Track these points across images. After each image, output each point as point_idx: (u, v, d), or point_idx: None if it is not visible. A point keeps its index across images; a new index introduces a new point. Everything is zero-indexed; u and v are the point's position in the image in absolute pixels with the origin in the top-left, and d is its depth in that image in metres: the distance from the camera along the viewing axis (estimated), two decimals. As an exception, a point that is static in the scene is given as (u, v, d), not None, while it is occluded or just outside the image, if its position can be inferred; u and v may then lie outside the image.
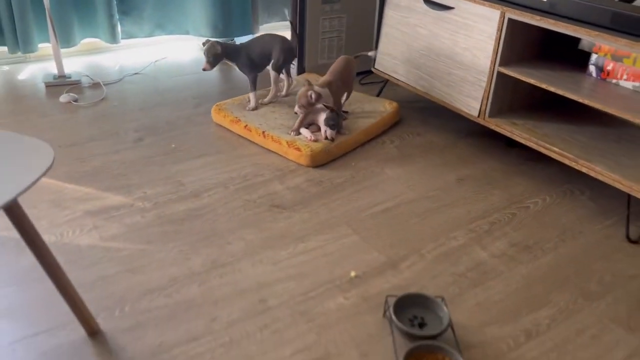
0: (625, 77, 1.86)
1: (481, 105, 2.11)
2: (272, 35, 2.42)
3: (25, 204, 1.80)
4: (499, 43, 1.98)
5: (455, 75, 2.19)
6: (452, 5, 2.14)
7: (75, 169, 2.02)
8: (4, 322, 1.36)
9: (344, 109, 2.37)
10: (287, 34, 2.74)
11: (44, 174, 1.02)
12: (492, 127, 2.10)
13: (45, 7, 2.55)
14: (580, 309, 1.48)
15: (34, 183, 0.99)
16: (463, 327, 1.41)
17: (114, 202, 1.84)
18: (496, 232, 1.78)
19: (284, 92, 2.54)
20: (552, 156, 1.89)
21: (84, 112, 2.47)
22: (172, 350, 1.31)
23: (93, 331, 1.34)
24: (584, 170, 1.80)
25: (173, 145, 2.22)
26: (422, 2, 2.26)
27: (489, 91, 2.07)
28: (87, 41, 3.07)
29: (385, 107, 2.48)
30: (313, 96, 2.10)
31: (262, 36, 2.42)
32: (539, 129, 2.02)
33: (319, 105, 2.15)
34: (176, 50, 3.28)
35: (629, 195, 1.78)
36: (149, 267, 1.57)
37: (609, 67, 1.89)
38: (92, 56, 3.12)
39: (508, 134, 2.04)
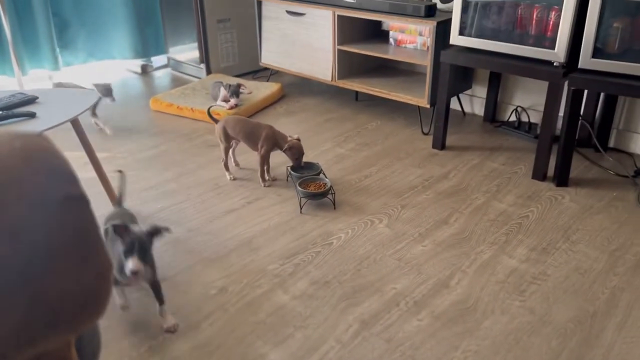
0: (408, 42, 3.13)
1: (332, 72, 3.29)
2: None
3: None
4: (335, 30, 3.18)
5: (313, 56, 3.36)
6: (303, 12, 3.33)
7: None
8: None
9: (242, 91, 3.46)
10: (195, 54, 3.80)
11: (90, 107, 2.00)
12: (341, 85, 3.29)
13: (9, 43, 3.40)
14: (394, 164, 2.66)
15: (85, 110, 1.97)
16: (331, 178, 2.53)
17: (100, 156, 2.77)
18: (349, 139, 2.94)
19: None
20: (376, 94, 3.11)
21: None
22: (170, 209, 2.29)
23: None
24: (394, 98, 3.03)
25: (108, 132, 3.17)
26: (285, 12, 3.43)
27: (335, 62, 3.26)
28: (34, 71, 3.90)
29: (273, 87, 3.60)
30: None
31: None
32: (368, 81, 3.23)
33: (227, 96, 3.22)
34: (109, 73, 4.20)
35: (419, 107, 3.02)
36: (138, 180, 2.53)
37: (400, 37, 3.15)
38: (36, 83, 3.96)
39: (351, 88, 3.24)
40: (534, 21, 2.31)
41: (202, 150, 2.84)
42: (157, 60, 4.34)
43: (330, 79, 3.32)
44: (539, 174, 2.48)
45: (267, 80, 3.82)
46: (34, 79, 3.93)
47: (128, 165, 2.69)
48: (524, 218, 2.19)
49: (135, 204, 2.32)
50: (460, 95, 3.29)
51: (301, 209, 2.26)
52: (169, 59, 4.27)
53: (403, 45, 3.17)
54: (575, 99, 2.27)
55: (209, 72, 3.91)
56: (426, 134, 3.00)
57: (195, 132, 3.07)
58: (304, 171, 2.47)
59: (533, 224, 2.15)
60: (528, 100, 3.06)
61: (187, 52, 4.24)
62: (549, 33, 2.29)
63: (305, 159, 2.68)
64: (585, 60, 2.18)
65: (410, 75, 3.35)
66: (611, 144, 2.80)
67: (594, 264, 1.91)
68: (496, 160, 2.69)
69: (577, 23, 2.21)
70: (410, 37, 3.12)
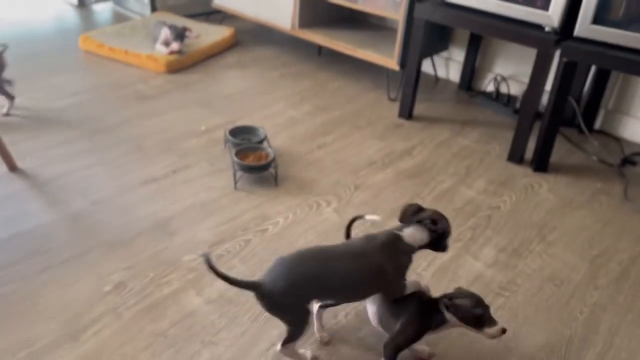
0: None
1: (292, 20, 2.86)
2: None
3: None
4: (298, -29, 2.73)
5: (272, 0, 2.91)
6: (264, -54, 2.85)
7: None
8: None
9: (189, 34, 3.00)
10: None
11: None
12: (301, 36, 2.86)
13: None
14: (353, 134, 2.30)
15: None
16: (278, 147, 2.15)
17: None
18: (305, 101, 2.55)
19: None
20: (340, 50, 2.71)
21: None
22: (77, 172, 1.89)
23: (13, 167, 1.87)
24: (360, 56, 2.64)
25: (42, 67, 2.70)
26: (243, -55, 2.94)
27: (296, 8, 2.82)
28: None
29: (225, 32, 3.14)
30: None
31: None
32: (333, 34, 2.82)
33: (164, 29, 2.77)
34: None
35: (387, 69, 2.64)
36: (32, 137, 2.10)
37: (371, -15, 2.73)
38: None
39: (313, 40, 2.82)
40: (527, -25, 1.94)
41: (130, 103, 2.41)
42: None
43: (289, 27, 2.89)
44: (516, 155, 2.16)
45: (220, 24, 3.35)
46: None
47: (37, 114, 2.25)
48: (494, 209, 1.88)
49: (35, 165, 1.91)
50: (435, 58, 2.92)
51: (235, 184, 1.89)
52: (110, -9, 3.73)
53: (375, -5, 2.75)
54: (566, 72, 1.93)
55: (153, 9, 3.41)
56: (393, 100, 2.63)
57: (125, 79, 2.62)
58: (245, 136, 2.09)
59: (504, 218, 1.84)
60: (510, 68, 2.71)
61: (131, -16, 3.70)
62: (543, -9, 1.92)
63: (250, 121, 2.30)
64: (584, 26, 1.83)
65: (382, 30, 2.94)
66: (597, 125, 2.49)
67: (572, 273, 1.61)
68: (468, 136, 2.35)
69: (578, -19, 1.84)
70: (383, -14, 2.70)
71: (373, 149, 2.20)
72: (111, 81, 2.60)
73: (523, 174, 2.10)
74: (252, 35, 3.31)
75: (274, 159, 1.92)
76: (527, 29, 1.95)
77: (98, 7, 3.69)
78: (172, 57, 2.74)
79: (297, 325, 1.17)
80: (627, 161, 2.22)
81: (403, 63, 2.47)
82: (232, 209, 1.77)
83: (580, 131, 2.41)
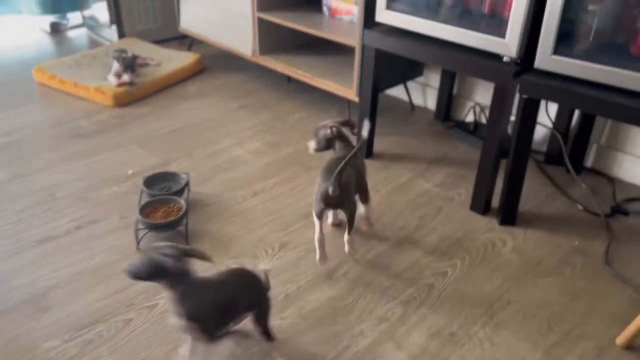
0: (344, 12, 2.44)
1: (252, 45, 2.62)
2: None
3: None
4: (254, -7, 2.50)
5: (233, 25, 2.69)
6: (222, -33, 2.63)
7: None
8: None
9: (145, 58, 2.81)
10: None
11: None
12: (262, 62, 2.62)
13: None
14: (299, 177, 2.03)
15: None
16: (206, 194, 1.91)
17: None
18: (257, 136, 2.31)
19: None
20: (300, 78, 2.45)
21: None
22: (-31, 230, 1.70)
23: None
24: (318, 85, 2.37)
25: (-6, 101, 2.56)
26: (203, -34, 2.74)
27: (255, 33, 2.58)
28: None
29: (189, 58, 2.94)
30: None
31: None
32: (294, 61, 2.56)
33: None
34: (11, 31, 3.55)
35: (348, 101, 2.36)
36: (-43, 182, 1.94)
37: (334, 5, 2.46)
38: None
39: (272, 66, 2.57)
40: (482, -5, 1.63)
41: (63, 143, 2.22)
42: (74, 18, 3.66)
43: (250, 53, 2.66)
44: (479, 204, 1.84)
45: (189, 50, 3.15)
46: None
47: (-41, 158, 2.09)
48: (439, 277, 1.57)
49: None
50: (410, 84, 2.62)
51: (138, 243, 1.66)
52: (84, 17, 3.59)
53: (337, 16, 2.48)
54: (527, 110, 1.61)
55: (122, 35, 3.25)
56: (354, 135, 2.34)
57: (69, 115, 2.44)
58: (165, 185, 1.86)
59: (449, 289, 1.53)
60: (490, 97, 2.38)
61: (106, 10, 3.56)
62: (499, 12, 1.60)
63: (188, 161, 2.08)
64: (544, 57, 1.51)
65: (349, 55, 2.67)
66: (589, 163, 2.14)
67: (518, 370, 1.30)
68: (432, 179, 2.04)
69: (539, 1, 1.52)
70: (346, 6, 2.42)
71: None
72: (54, 117, 2.43)
73: (485, 228, 1.78)
74: (220, 61, 3.09)
75: (184, 215, 1.68)
76: (484, 60, 1.65)
77: (72, 34, 3.57)
78: (121, 89, 2.55)
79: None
80: (617, 210, 1.86)
81: (360, 93, 2.19)
82: (124, 278, 1.53)
83: (568, 171, 2.06)
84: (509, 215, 1.78)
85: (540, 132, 2.20)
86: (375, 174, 2.07)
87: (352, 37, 2.17)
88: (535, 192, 1.96)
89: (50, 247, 1.64)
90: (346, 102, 2.41)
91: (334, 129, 1.66)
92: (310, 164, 2.12)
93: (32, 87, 2.72)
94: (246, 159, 2.15)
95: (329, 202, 1.50)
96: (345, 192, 1.50)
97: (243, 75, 2.92)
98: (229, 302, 1.19)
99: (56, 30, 3.56)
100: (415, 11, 1.78)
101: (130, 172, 2.03)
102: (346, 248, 1.61)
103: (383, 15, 1.86)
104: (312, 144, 1.73)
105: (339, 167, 1.44)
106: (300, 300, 1.48)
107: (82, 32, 3.59)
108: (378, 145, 2.23)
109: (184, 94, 2.70)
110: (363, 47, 2.00)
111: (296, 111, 2.54)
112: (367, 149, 2.17)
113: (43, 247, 1.64)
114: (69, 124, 2.37)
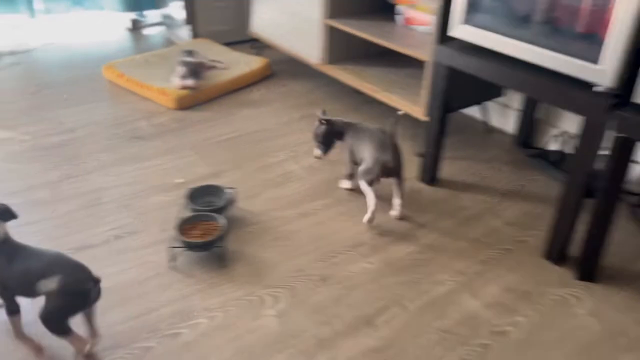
0: (419, 22, 2.24)
1: (320, 53, 2.49)
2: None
3: None
4: (325, -1, 2.36)
5: (302, 30, 2.57)
6: (295, -30, 2.52)
7: (-28, 114, 2.39)
8: None
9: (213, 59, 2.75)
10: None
11: None
12: (328, 72, 2.48)
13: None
14: (352, 201, 1.87)
15: None
16: (251, 211, 1.80)
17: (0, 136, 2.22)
18: (313, 151, 2.17)
19: None
20: (365, 91, 2.29)
21: (-4, 73, 2.84)
22: (16, 229, 1.69)
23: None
24: (383, 99, 2.20)
25: (65, 96, 2.59)
26: (276, -31, 2.64)
27: (324, 40, 2.44)
28: (7, 16, 3.42)
29: (257, 62, 2.85)
30: None
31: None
32: (362, 72, 2.40)
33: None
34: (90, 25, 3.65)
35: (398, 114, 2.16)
36: (15, 178, 1.94)
37: (409, 14, 2.27)
38: (12, 30, 3.47)
39: (338, 77, 2.43)
40: (577, 11, 1.39)
41: (119, 144, 2.19)
42: (153, 16, 3.71)
43: (317, 61, 2.53)
44: (554, 251, 1.59)
45: (258, 54, 3.07)
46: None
47: (21, 153, 2.11)
48: (497, 336, 1.36)
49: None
50: (489, 104, 2.38)
51: (170, 263, 1.57)
52: (163, 15, 3.62)
53: (412, 26, 2.29)
54: (622, 151, 1.35)
55: (195, 35, 3.23)
56: (421, 156, 2.15)
57: (131, 115, 2.43)
58: (208, 200, 1.76)
59: (508, 352, 1.31)
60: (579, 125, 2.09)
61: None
62: (595, 31, 1.36)
63: (238, 173, 1.99)
64: (649, 90, 1.25)
65: (421, 69, 2.47)
66: (695, 211, 1.82)
67: None
68: (503, 215, 1.81)
69: (648, 22, 1.27)
70: (422, 16, 2.23)
71: (367, 225, 1.75)
72: (116, 116, 2.42)
73: (559, 282, 1.53)
74: (288, 67, 2.99)
75: (222, 236, 1.57)
76: (573, 89, 1.40)
77: (150, 31, 3.61)
78: (184, 92, 2.50)
79: None
80: None
81: (429, 112, 1.99)
82: (154, 297, 1.45)
83: (668, 219, 1.76)
84: (589, 269, 1.53)
85: (638, 170, 1.91)
86: (437, 203, 1.87)
87: (425, 51, 1.98)
88: (623, 242, 1.68)
89: (85, 256, 1.58)
90: (414, 120, 2.22)
91: (322, 120, 1.83)
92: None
93: (102, 84, 2.75)
94: (299, 175, 2.02)
95: (387, 172, 1.70)
96: (400, 161, 1.71)
97: (310, 83, 2.80)
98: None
99: (136, 27, 3.62)
100: (495, 27, 1.57)
101: (178, 180, 1.96)
102: (396, 212, 1.76)
103: (458, 29, 1.66)
104: (316, 151, 1.87)
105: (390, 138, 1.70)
106: (333, 347, 1.32)
107: (160, 30, 3.62)
108: (445, 170, 2.03)
109: (247, 100, 2.62)
110: (435, 63, 1.80)
111: (360, 126, 2.38)
112: (431, 173, 1.97)
113: (79, 255, 1.58)
114: (129, 125, 2.35)
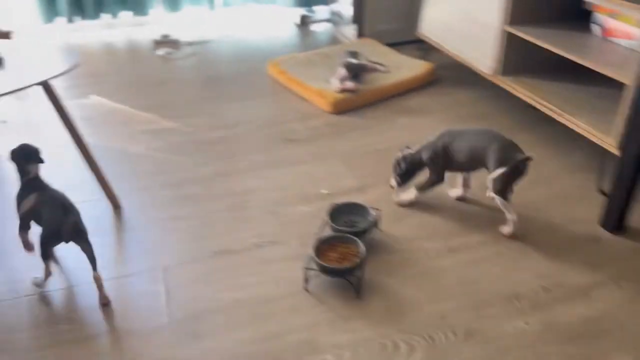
0: (620, 34, 1.87)
1: (494, 63, 2.23)
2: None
3: (101, 120, 2.37)
4: (508, 1, 2.09)
5: (475, 36, 2.32)
6: (476, -31, 2.27)
7: (147, 102, 2.55)
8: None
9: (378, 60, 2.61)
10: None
11: (68, 70, 1.50)
12: (501, 84, 2.21)
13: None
14: (516, 240, 1.62)
15: (61, 74, 1.47)
16: (395, 237, 1.64)
17: (165, 126, 2.33)
18: (474, 173, 1.94)
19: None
20: (543, 109, 1.98)
21: (174, 63, 3.03)
22: (164, 222, 1.74)
23: (116, 205, 1.82)
24: (565, 122, 1.88)
25: (229, 90, 2.67)
26: (454, -33, 2.41)
27: (500, 48, 2.18)
28: (192, 8, 3.64)
29: (421, 67, 2.67)
30: None
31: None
32: (542, 88, 2.09)
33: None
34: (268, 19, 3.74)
35: (602, 150, 1.81)
36: (171, 170, 2.02)
37: (609, 25, 1.91)
38: (195, 21, 3.70)
39: (513, 91, 2.14)
40: None
41: (271, 145, 2.17)
42: (321, 11, 3.69)
43: (489, 71, 2.26)
44: None
45: (423, 58, 2.87)
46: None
47: (181, 144, 2.20)
48: None
49: (135, 206, 1.82)
50: None
51: (305, 283, 1.48)
52: (331, 12, 3.58)
53: (611, 39, 1.92)
54: None
55: (360, 34, 3.13)
56: (604, 195, 1.80)
57: (285, 116, 2.41)
58: (351, 219, 1.64)
59: None
60: None
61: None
62: None
63: (388, 189, 1.84)
64: None
65: (618, 89, 2.07)
66: None
67: None
68: None
69: None
70: (626, 28, 1.85)
71: (530, 273, 1.49)
72: (273, 115, 2.42)
73: None
74: (454, 73, 2.75)
75: (359, 264, 1.44)
76: None
77: (317, 27, 3.60)
78: (342, 96, 2.41)
79: None
80: None
81: (624, 146, 1.64)
82: (282, 320, 1.37)
83: None
84: None
85: None
86: (621, 258, 1.53)
87: (627, 71, 1.63)
88: None
89: (224, 263, 1.57)
90: (595, 147, 1.87)
91: (405, 150, 1.75)
92: (535, 222, 1.68)
93: (265, 80, 2.78)
94: (454, 201, 1.81)
95: (520, 174, 1.58)
96: None
97: (477, 93, 2.55)
98: None
99: (305, 23, 3.64)
100: None
101: (324, 191, 1.88)
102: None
103: (682, 50, 1.32)
104: (392, 181, 1.79)
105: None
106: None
107: (327, 26, 3.60)
108: (636, 218, 1.67)
109: (405, 108, 2.45)
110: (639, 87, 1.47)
111: (534, 147, 2.07)
112: (616, 218, 1.63)
113: (218, 260, 1.58)
114: (284, 125, 2.33)
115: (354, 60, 2.48)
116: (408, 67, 2.68)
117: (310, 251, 1.48)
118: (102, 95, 2.61)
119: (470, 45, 2.37)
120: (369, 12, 3.07)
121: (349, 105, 2.43)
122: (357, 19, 3.09)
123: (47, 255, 1.42)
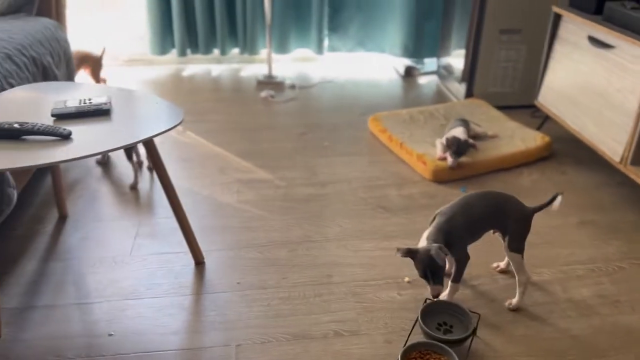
0: None
1: (624, 151, 1.97)
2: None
3: (198, 163, 2.37)
4: (649, 87, 1.85)
5: (604, 116, 2.08)
6: (613, 45, 2.04)
7: (245, 148, 2.53)
8: (144, 240, 1.88)
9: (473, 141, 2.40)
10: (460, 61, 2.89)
11: (172, 128, 1.47)
12: (632, 175, 1.95)
13: (266, 22, 3.19)
14: (638, 375, 1.37)
15: (163, 132, 1.45)
16: (496, 349, 1.45)
17: (259, 177, 2.29)
18: (589, 279, 1.69)
19: None
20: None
21: (275, 107, 3.02)
22: (244, 290, 1.66)
23: (198, 261, 1.77)
24: None
25: (326, 143, 2.59)
26: (587, 39, 2.19)
27: (634, 137, 1.93)
28: (300, 50, 3.65)
29: (536, 140, 2.44)
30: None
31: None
32: (684, 185, 1.81)
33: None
34: (372, 66, 3.67)
35: None
36: (259, 228, 1.95)
37: None
38: (301, 63, 3.70)
39: (646, 186, 1.88)
40: None
41: (364, 210, 2.05)
42: (429, 64, 3.56)
43: (619, 159, 2.01)
44: None
45: (539, 128, 2.64)
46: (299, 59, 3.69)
47: (272, 200, 2.13)
48: None
49: (216, 263, 1.76)
50: None
51: (386, 394, 1.32)
52: (439, 65, 3.43)
53: None
54: None
55: (469, 94, 2.95)
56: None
57: (382, 179, 2.28)
58: (447, 321, 1.46)
59: None
60: None
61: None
62: None
63: (492, 284, 1.65)
64: None
65: None
66: None
67: None
68: None
69: None
70: None
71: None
72: (370, 176, 2.30)
73: None
74: (572, 150, 2.49)
75: (451, 386, 1.26)
76: None
77: (423, 80, 3.47)
78: (444, 164, 2.25)
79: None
80: None
81: None
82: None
83: None
84: None
85: None
86: None
87: None
88: None
89: (297, 349, 1.45)
90: None
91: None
92: (664, 358, 1.42)
93: (364, 135, 2.68)
94: (565, 311, 1.58)
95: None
96: None
97: (599, 177, 2.28)
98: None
99: (409, 74, 3.52)
100: None
101: (406, 279, 1.71)
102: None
103: None
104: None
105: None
106: None
107: (433, 79, 3.46)
108: None
109: (515, 185, 2.24)
110: None
111: (663, 255, 1.80)
112: None
113: (294, 345, 1.47)
114: (378, 190, 2.20)
115: (461, 137, 2.28)
116: (521, 138, 2.46)
117: (397, 355, 1.33)
118: (202, 136, 2.63)
119: (597, 125, 2.13)
120: (482, 71, 2.89)
121: (451, 176, 2.26)
122: (468, 76, 2.92)
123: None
